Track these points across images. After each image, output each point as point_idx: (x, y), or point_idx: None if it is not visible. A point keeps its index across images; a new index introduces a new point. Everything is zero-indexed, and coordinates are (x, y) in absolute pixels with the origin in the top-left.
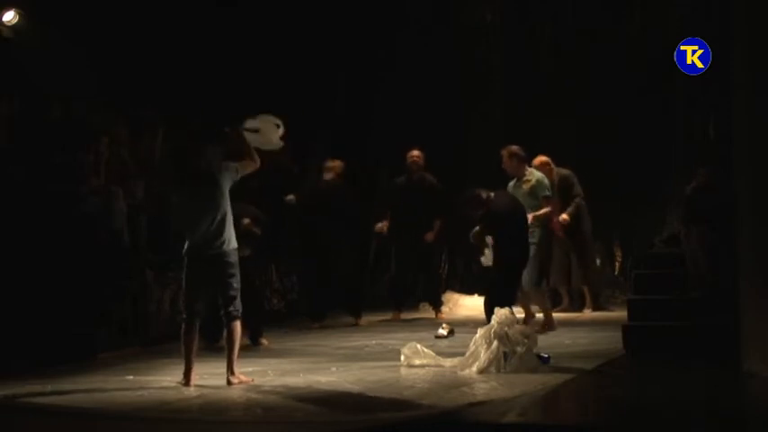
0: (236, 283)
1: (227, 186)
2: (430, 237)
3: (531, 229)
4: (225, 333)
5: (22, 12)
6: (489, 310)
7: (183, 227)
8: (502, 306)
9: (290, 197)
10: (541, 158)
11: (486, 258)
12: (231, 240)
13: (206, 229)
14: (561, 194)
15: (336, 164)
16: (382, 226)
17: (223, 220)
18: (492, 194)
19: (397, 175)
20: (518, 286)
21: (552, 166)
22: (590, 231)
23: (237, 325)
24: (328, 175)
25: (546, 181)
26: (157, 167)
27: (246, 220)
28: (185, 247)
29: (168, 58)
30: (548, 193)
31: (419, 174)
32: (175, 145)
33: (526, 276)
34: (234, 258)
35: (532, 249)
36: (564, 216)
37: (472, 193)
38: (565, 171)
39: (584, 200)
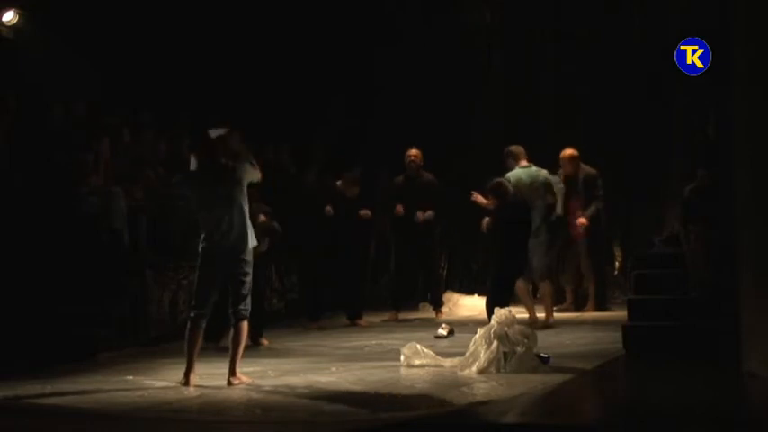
0: (249, 282)
1: (245, 184)
2: (421, 216)
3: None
4: (231, 332)
5: (22, 12)
6: (490, 310)
7: (202, 224)
8: (496, 306)
9: (329, 209)
10: (571, 152)
11: None
12: (250, 239)
13: (227, 227)
14: (585, 193)
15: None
16: (366, 212)
17: (243, 218)
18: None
19: (397, 175)
20: (513, 288)
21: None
22: (603, 232)
23: (245, 325)
24: (353, 191)
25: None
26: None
27: (263, 217)
28: (203, 244)
29: (168, 60)
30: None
31: (418, 173)
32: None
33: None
34: (250, 257)
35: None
36: (582, 220)
37: (496, 181)
38: (591, 170)
39: (603, 202)
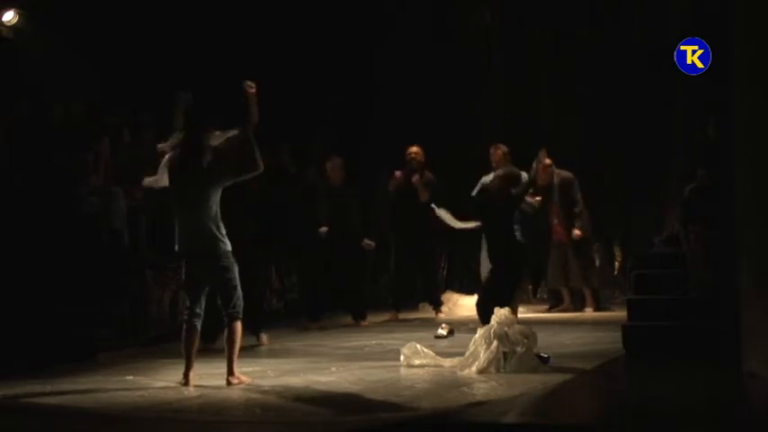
0: (232, 283)
1: (221, 186)
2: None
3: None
4: (225, 333)
5: (22, 12)
6: (484, 311)
7: (176, 225)
8: (503, 305)
9: (323, 229)
10: (546, 162)
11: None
12: (223, 241)
13: (198, 229)
14: (561, 196)
15: (338, 161)
16: (370, 243)
17: (214, 220)
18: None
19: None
20: (521, 286)
21: (554, 167)
22: (588, 231)
23: (238, 325)
24: (335, 176)
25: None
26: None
27: None
28: (179, 246)
29: (168, 60)
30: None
31: (419, 171)
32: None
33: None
34: (227, 260)
35: None
36: (577, 232)
37: (511, 170)
38: (566, 173)
39: (583, 201)
